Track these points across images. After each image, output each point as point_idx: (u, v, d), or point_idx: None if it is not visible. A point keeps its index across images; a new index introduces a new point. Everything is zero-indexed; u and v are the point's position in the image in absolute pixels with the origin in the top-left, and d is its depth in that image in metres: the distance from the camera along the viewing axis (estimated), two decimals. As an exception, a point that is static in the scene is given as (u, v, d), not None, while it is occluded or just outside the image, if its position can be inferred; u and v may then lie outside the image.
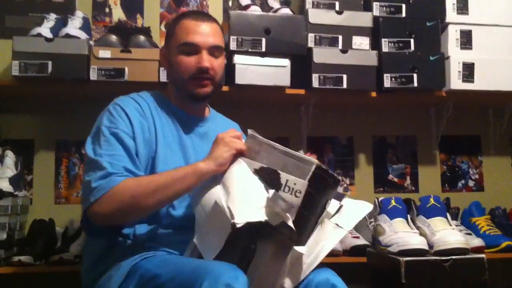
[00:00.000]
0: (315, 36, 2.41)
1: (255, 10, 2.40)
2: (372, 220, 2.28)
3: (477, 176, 2.90)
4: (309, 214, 1.46)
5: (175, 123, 1.73)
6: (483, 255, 1.97)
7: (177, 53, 1.70)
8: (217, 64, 1.72)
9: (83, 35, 2.29)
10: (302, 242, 1.46)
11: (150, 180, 1.54)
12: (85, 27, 2.37)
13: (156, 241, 1.59)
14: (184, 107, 1.77)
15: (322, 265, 1.53)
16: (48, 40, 2.22)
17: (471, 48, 2.54)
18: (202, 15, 1.76)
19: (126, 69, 2.23)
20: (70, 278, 2.26)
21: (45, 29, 2.28)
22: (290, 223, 1.38)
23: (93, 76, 2.22)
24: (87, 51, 2.22)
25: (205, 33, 1.69)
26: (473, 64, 2.49)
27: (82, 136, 2.47)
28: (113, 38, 2.31)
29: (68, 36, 2.25)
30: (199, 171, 1.52)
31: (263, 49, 2.32)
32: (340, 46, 2.42)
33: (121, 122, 1.61)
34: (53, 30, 2.30)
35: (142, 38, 2.33)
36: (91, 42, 2.32)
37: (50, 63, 2.19)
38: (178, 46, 1.69)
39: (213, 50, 1.71)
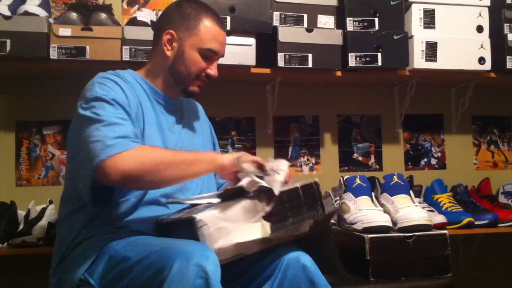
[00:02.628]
0: (280, 14, 2.39)
1: (220, -13, 2.37)
2: (338, 198, 2.30)
3: (439, 154, 2.95)
4: (288, 209, 1.53)
5: (153, 103, 1.73)
6: (445, 231, 2.01)
7: (195, 51, 1.72)
8: None
9: (42, 13, 2.22)
10: (273, 224, 1.49)
11: (175, 153, 1.56)
12: (44, 4, 2.29)
13: (127, 218, 1.58)
14: (163, 89, 1.77)
15: (291, 244, 1.54)
16: (6, 17, 2.14)
17: (434, 28, 2.56)
18: (222, 23, 1.81)
19: (88, 47, 2.18)
20: (33, 261, 2.23)
21: (2, 6, 2.20)
22: (272, 189, 1.48)
23: (53, 54, 2.16)
24: (47, 29, 2.16)
25: (224, 44, 1.79)
26: (436, 43, 2.52)
27: (43, 117, 2.46)
28: (74, 15, 2.25)
29: (26, 13, 2.18)
30: (216, 159, 1.56)
31: (228, 28, 2.29)
32: (305, 25, 2.41)
33: (116, 91, 1.57)
34: (12, 7, 2.22)
35: (103, 15, 2.27)
36: (51, 20, 2.26)
37: (8, 41, 2.12)
38: (201, 48, 1.72)
39: (219, 58, 1.80)
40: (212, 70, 1.75)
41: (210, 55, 1.74)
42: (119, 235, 1.52)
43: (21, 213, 2.31)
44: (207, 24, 1.73)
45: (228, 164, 1.55)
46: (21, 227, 2.25)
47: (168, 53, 1.73)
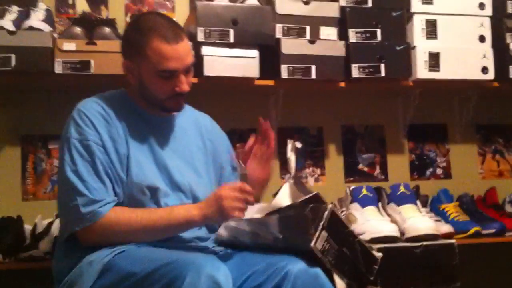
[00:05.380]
0: (282, 26, 2.40)
1: (222, 0, 2.38)
2: (344, 209, 2.29)
3: (444, 164, 2.94)
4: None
5: (143, 126, 1.71)
6: (453, 241, 2.01)
7: (153, 76, 1.64)
8: (191, 79, 1.71)
9: (46, 28, 2.24)
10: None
11: (141, 218, 1.56)
12: (48, 19, 2.31)
13: None
14: (152, 111, 1.74)
15: (298, 254, 1.53)
16: (10, 33, 2.16)
17: (436, 38, 2.57)
18: (173, 33, 1.64)
19: (92, 61, 2.19)
20: (41, 275, 2.21)
21: (7, 22, 2.22)
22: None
23: (58, 69, 2.16)
24: (51, 43, 2.17)
25: (181, 56, 1.64)
26: (438, 53, 2.52)
27: (48, 130, 2.46)
28: (78, 30, 2.26)
29: (31, 28, 2.20)
30: (192, 222, 1.59)
31: (231, 40, 2.30)
32: (308, 37, 2.42)
33: (89, 132, 1.59)
34: (16, 22, 2.24)
35: (107, 30, 2.29)
36: (55, 35, 2.27)
37: (13, 56, 2.13)
38: (157, 71, 1.63)
39: (188, 69, 1.69)
40: (180, 87, 1.65)
41: (168, 74, 1.63)
42: (121, 250, 1.52)
43: (27, 227, 2.31)
44: (153, 46, 1.61)
45: (200, 223, 1.62)
46: (28, 241, 2.25)
47: (133, 80, 1.71)
